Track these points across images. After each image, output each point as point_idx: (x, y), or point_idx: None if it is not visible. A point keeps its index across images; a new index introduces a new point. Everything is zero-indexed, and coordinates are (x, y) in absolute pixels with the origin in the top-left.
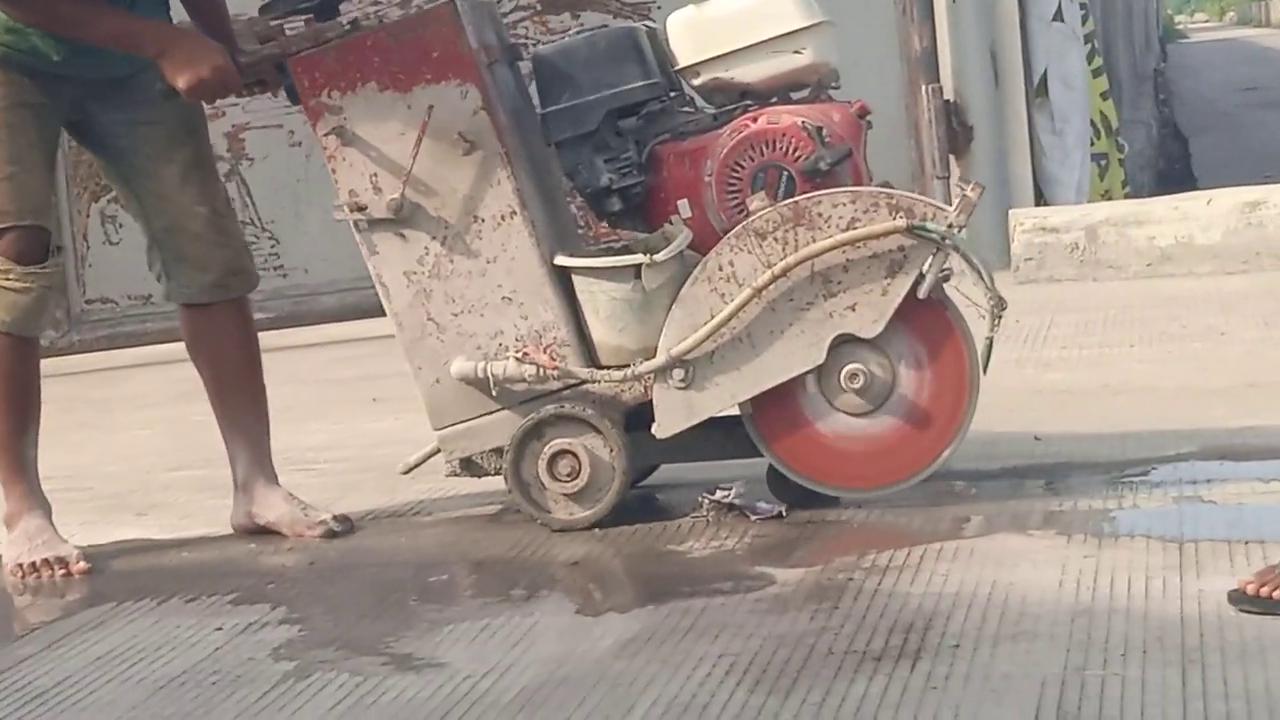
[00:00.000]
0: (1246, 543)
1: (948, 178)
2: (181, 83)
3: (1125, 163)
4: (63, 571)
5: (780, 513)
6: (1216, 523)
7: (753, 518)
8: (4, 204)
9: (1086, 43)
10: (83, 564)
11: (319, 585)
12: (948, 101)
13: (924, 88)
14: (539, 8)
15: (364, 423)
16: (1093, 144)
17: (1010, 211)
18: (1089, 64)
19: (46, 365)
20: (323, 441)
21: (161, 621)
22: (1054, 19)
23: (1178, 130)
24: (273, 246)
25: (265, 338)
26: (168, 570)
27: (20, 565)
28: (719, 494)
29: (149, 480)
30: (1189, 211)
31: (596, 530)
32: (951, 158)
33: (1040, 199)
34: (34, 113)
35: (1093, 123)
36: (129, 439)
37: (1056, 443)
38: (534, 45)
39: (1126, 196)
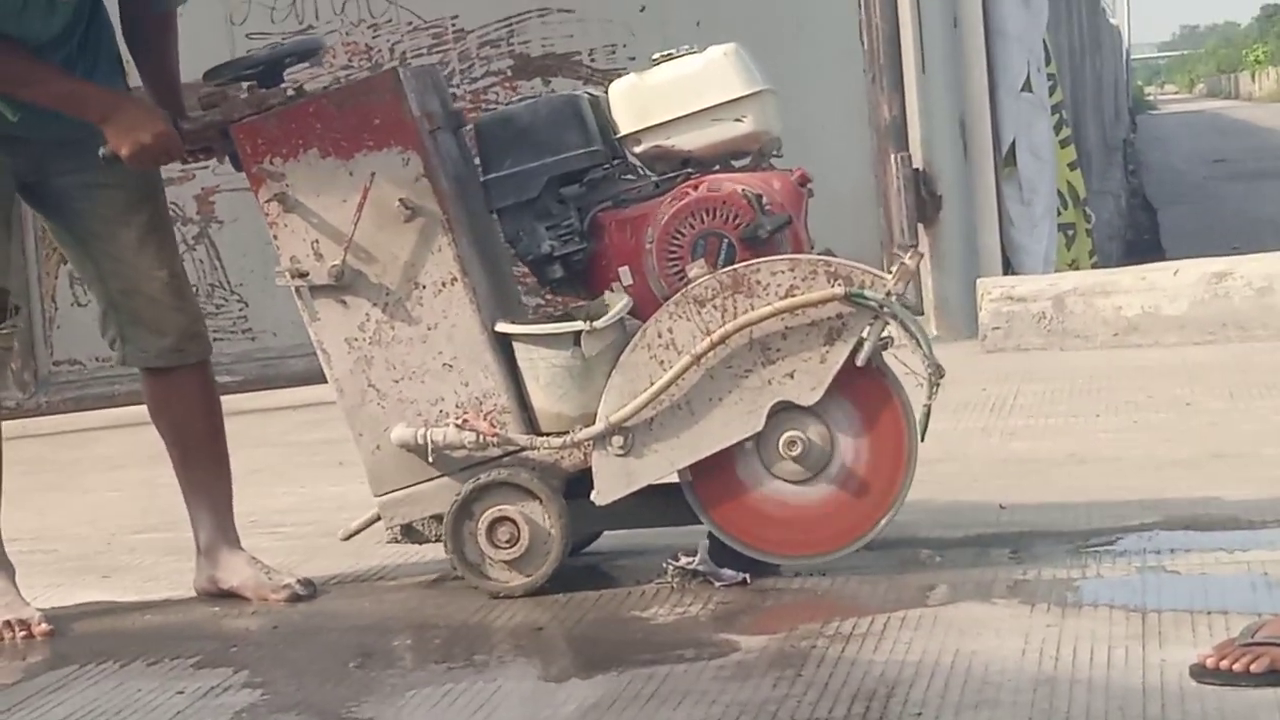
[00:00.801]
0: (1210, 613)
1: (916, 246)
2: (124, 149)
3: (1093, 233)
4: (24, 634)
5: (744, 579)
6: (1180, 593)
7: (717, 584)
8: None
9: (1054, 113)
10: (45, 626)
11: (282, 649)
12: (917, 170)
13: (893, 156)
14: (509, 74)
15: (330, 486)
16: (1060, 214)
17: (978, 280)
18: (1057, 134)
19: (13, 427)
20: (289, 505)
21: (123, 685)
22: (1022, 89)
23: (1146, 201)
24: (241, 309)
25: (233, 400)
26: (130, 633)
27: None
28: (683, 560)
29: (115, 542)
30: (1156, 282)
31: (560, 596)
32: (920, 226)
33: (1008, 268)
34: None
35: (1060, 193)
36: (96, 501)
37: (1022, 511)
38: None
39: (1094, 266)
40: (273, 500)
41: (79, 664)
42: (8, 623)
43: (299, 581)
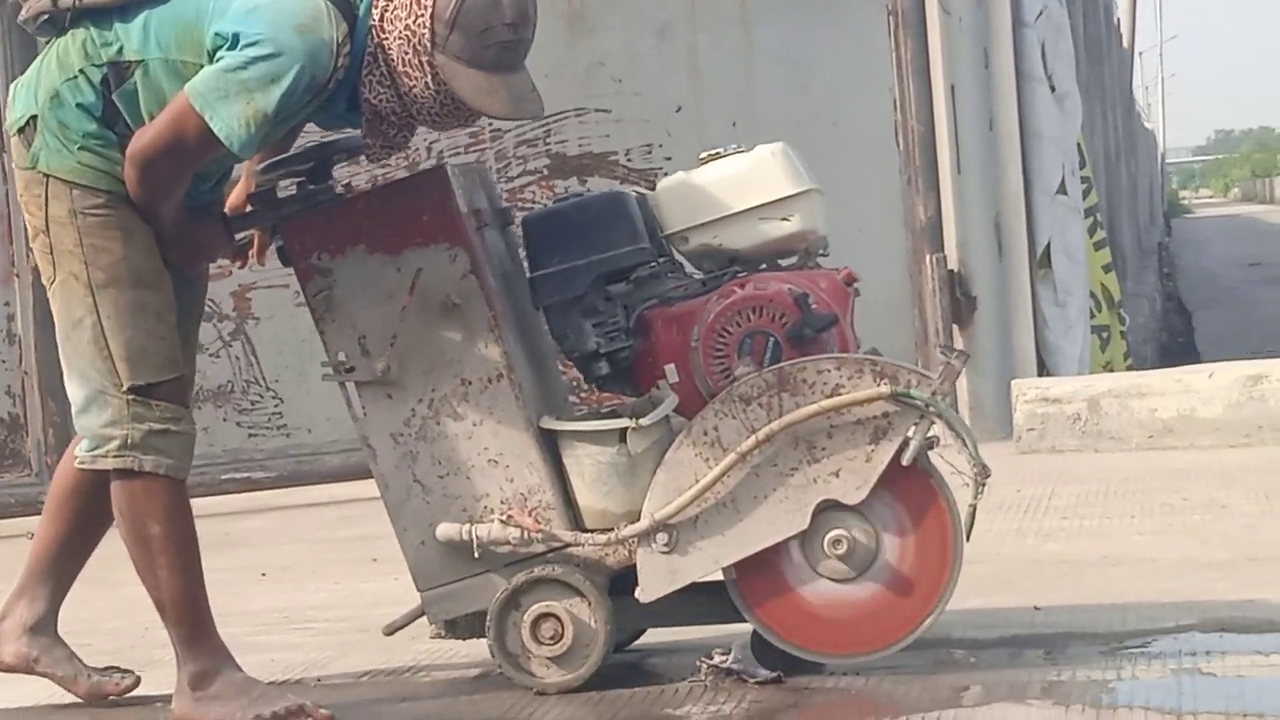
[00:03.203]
0: (1246, 716)
1: (960, 348)
2: (178, 261)
3: (1128, 335)
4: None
5: (779, 677)
6: (1215, 695)
7: (751, 682)
8: (171, 353)
9: (1088, 216)
10: (324, 712)
11: None
12: (952, 271)
13: (928, 257)
14: (546, 173)
15: (363, 582)
16: (1094, 316)
17: (1013, 382)
18: (1091, 236)
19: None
20: (322, 601)
21: None
22: (1058, 191)
23: (1181, 304)
24: (276, 405)
25: (267, 496)
26: None
27: (261, 718)
28: (717, 658)
29: (147, 637)
30: (1191, 384)
31: (594, 693)
32: (955, 327)
33: (1043, 370)
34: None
35: (1094, 295)
36: (129, 594)
37: (1056, 613)
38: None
39: (1129, 369)
40: (305, 596)
41: None
42: (288, 710)
43: (122, 675)
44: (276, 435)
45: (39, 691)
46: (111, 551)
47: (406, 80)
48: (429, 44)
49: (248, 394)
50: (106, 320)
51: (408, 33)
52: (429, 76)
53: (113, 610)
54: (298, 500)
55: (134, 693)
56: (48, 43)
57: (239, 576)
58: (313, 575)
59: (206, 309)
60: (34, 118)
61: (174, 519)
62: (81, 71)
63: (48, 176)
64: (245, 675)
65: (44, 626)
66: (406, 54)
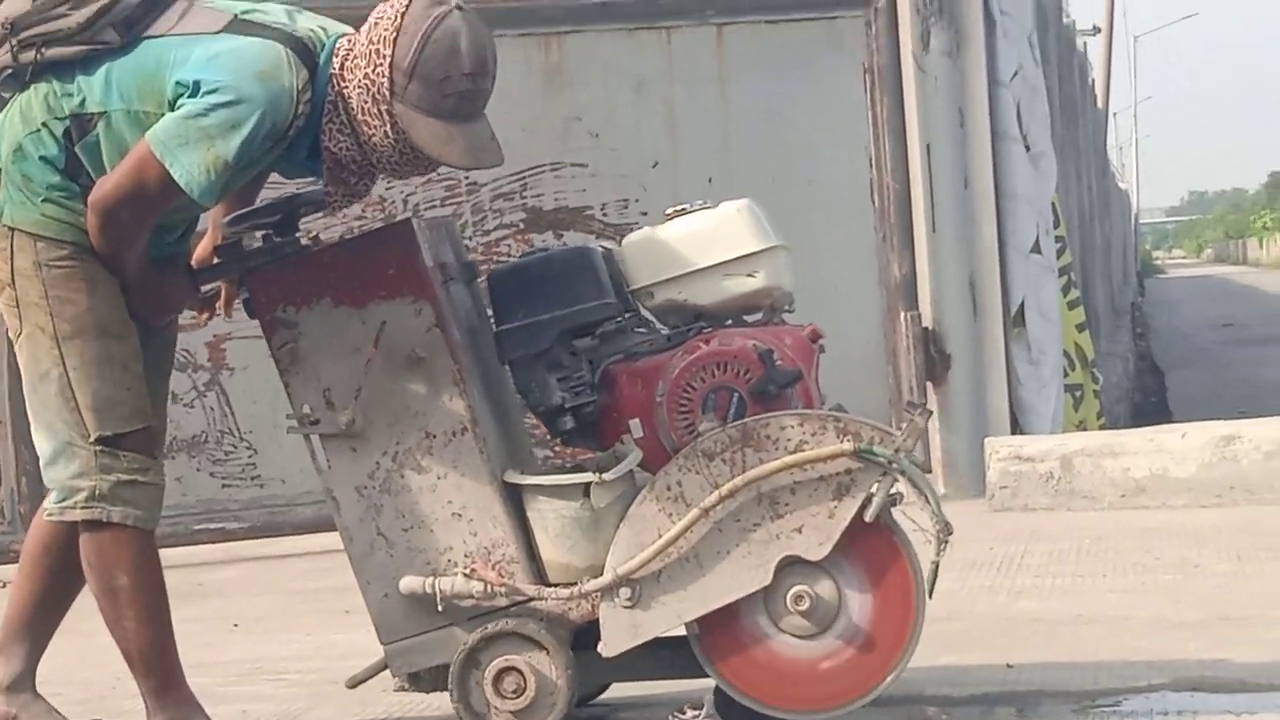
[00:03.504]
0: None
1: (925, 404)
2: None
3: (1101, 394)
4: None
5: None
6: None
7: None
8: (139, 403)
9: (1063, 275)
10: None
11: None
12: (926, 329)
13: (903, 315)
14: (522, 226)
15: (335, 633)
16: (1068, 375)
17: (986, 440)
18: (1065, 295)
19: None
20: (295, 652)
21: None
22: (1032, 250)
23: (1154, 364)
24: (250, 456)
25: (240, 547)
26: None
27: None
28: (689, 714)
29: (118, 688)
30: (1164, 444)
31: None
32: (929, 385)
33: (1016, 428)
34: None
35: (1067, 354)
36: (100, 644)
37: (1028, 670)
38: None
39: (1102, 428)
40: (278, 647)
41: None
42: None
43: None
44: (250, 486)
45: None
46: (83, 603)
47: (366, 129)
48: (388, 93)
49: (222, 444)
50: (73, 371)
51: (367, 81)
52: (388, 125)
53: (84, 661)
54: (271, 551)
55: None
56: (11, 97)
57: (211, 627)
58: (285, 626)
59: (181, 359)
60: None
61: (142, 570)
62: (44, 124)
63: (12, 230)
64: None
65: (21, 684)
66: (366, 103)
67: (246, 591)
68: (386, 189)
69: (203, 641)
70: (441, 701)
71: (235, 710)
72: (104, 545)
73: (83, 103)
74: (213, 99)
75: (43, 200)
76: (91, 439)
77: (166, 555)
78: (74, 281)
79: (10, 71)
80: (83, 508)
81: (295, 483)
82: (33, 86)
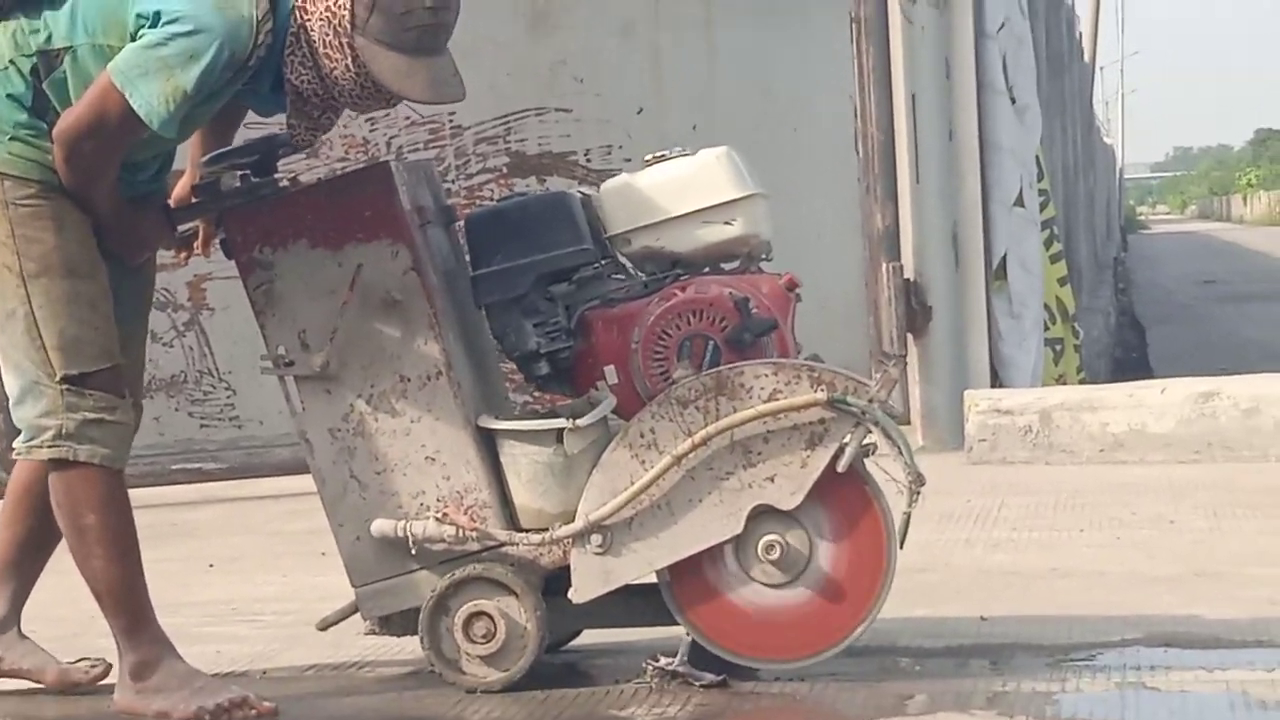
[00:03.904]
0: None
1: (904, 356)
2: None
3: (1082, 349)
4: (253, 713)
5: (724, 681)
6: (1159, 710)
7: (696, 685)
8: (106, 343)
9: (1045, 229)
10: (268, 704)
11: None
12: (908, 280)
13: (885, 265)
14: (505, 171)
15: (312, 576)
16: (1048, 329)
17: (965, 392)
18: (1047, 249)
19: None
20: (269, 593)
21: None
22: (1015, 204)
23: (1136, 319)
24: (229, 397)
25: (217, 488)
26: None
27: (203, 711)
28: (663, 660)
29: (92, 626)
30: (1143, 400)
31: (538, 692)
32: (909, 336)
33: (995, 381)
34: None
35: (1049, 308)
36: (77, 581)
37: (1003, 623)
38: None
39: (1082, 383)
40: (253, 588)
41: None
42: (233, 703)
43: (92, 664)
44: (228, 427)
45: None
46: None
47: (327, 62)
48: (349, 26)
49: (200, 385)
50: (39, 310)
51: (329, 14)
52: (349, 59)
53: (57, 598)
54: (248, 492)
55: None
56: None
57: (187, 567)
58: (261, 568)
59: (160, 298)
60: None
61: (110, 508)
62: (12, 62)
63: None
64: (188, 666)
65: (6, 625)
66: (327, 35)
67: (223, 532)
68: (370, 131)
69: (178, 582)
70: (413, 645)
71: (210, 651)
72: (71, 484)
73: (49, 39)
74: (172, 29)
75: (9, 139)
76: (58, 378)
77: (143, 495)
78: (41, 220)
79: None
80: (49, 446)
81: (273, 424)
82: (0, 25)
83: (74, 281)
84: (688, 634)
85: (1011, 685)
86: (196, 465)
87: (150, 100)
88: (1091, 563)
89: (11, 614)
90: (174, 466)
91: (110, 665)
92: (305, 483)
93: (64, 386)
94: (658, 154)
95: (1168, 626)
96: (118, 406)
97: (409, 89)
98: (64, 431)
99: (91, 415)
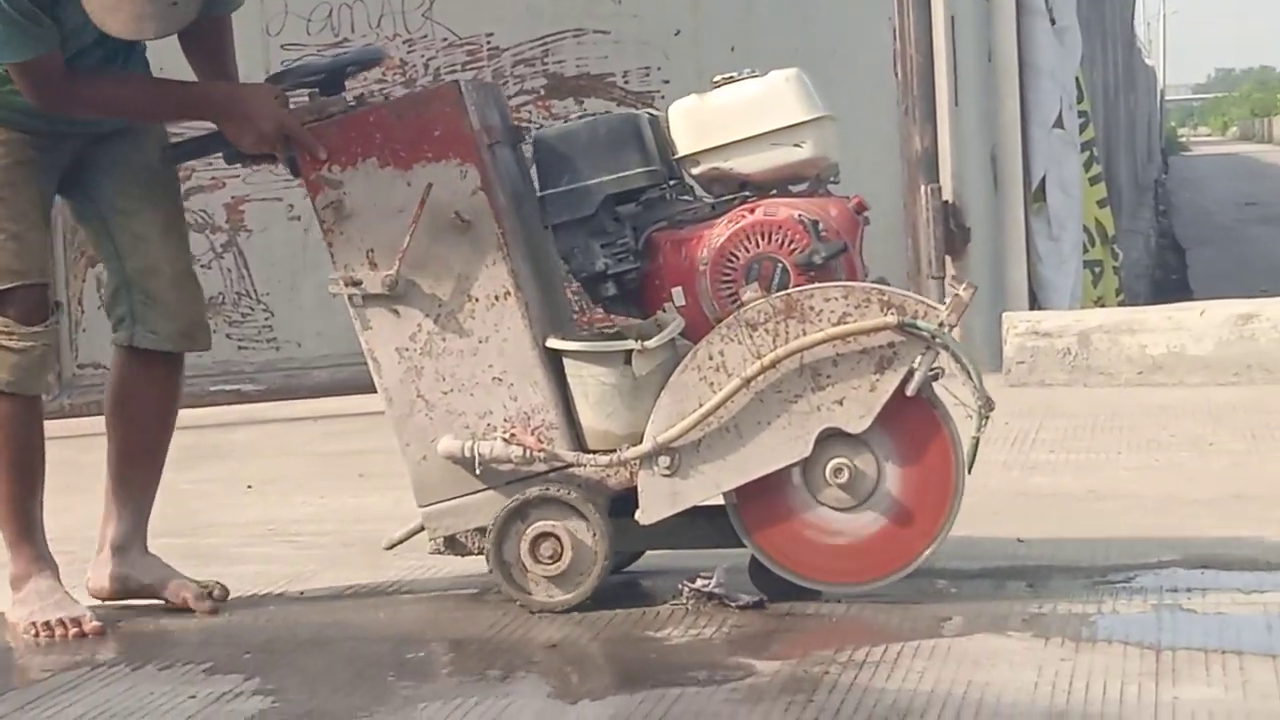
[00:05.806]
0: (1224, 653)
1: (943, 278)
2: (246, 141)
3: (1121, 271)
4: (76, 631)
5: (760, 602)
6: (1195, 632)
7: (732, 606)
8: (10, 262)
9: (1084, 150)
10: (95, 624)
11: (295, 657)
12: (946, 202)
13: (923, 188)
14: (543, 93)
15: (350, 497)
16: (1087, 251)
17: (1004, 315)
18: (1087, 171)
19: None
20: (308, 514)
21: (135, 688)
22: (1055, 125)
23: (1176, 241)
24: (267, 319)
25: (255, 409)
26: (143, 637)
27: (34, 624)
28: (699, 582)
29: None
30: (1182, 322)
31: (575, 613)
32: (948, 258)
33: (1034, 303)
34: (34, 169)
35: (1088, 230)
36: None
37: (1039, 546)
38: (537, 128)
39: (1121, 304)
40: (291, 510)
41: (91, 665)
42: (60, 620)
43: (218, 584)
44: (266, 348)
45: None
46: (98, 460)
47: None
48: None
49: (239, 306)
50: None
51: None
52: None
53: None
54: (286, 414)
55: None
56: None
57: (225, 488)
58: (299, 489)
59: (198, 220)
60: None
61: (6, 430)
62: None
63: None
64: (52, 584)
65: (130, 542)
66: None
67: (261, 454)
68: (409, 52)
69: (216, 502)
70: (451, 567)
71: (250, 571)
72: None
73: None
74: None
75: None
76: None
77: (181, 416)
78: None
79: None
80: None
81: (311, 346)
82: None
83: None
84: (750, 557)
85: (1048, 607)
86: (235, 387)
87: None
88: (1129, 485)
89: (134, 530)
90: (212, 388)
91: (227, 591)
92: (343, 404)
93: None
94: (726, 75)
95: (1205, 549)
96: (15, 332)
97: (108, 23)
98: None
99: None
